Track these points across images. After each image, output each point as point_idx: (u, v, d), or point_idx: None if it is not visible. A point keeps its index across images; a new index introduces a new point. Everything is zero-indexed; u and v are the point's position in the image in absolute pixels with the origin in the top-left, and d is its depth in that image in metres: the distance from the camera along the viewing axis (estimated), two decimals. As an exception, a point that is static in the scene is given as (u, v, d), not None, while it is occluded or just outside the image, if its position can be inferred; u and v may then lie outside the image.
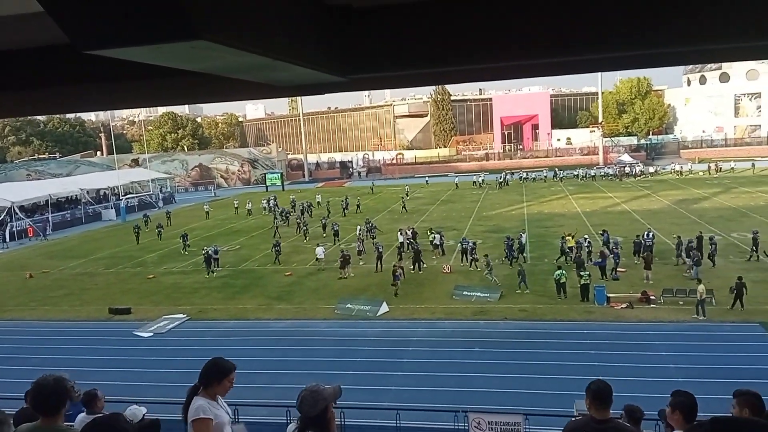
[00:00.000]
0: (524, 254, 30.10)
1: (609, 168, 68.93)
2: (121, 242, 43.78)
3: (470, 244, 30.08)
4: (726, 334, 19.15)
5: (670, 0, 2.71)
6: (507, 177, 65.73)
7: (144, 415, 6.40)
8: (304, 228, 40.15)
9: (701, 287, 20.83)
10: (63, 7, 1.91)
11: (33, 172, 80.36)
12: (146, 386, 17.28)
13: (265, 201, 55.94)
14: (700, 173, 63.42)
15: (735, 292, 21.16)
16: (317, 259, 30.85)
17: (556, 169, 69.99)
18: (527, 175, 68.49)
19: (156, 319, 24.35)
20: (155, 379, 18.31)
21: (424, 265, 29.07)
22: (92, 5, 1.88)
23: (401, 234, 33.50)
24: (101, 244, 44.09)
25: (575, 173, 67.62)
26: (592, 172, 66.68)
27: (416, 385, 16.80)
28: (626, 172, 66.01)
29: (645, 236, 28.82)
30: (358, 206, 51.25)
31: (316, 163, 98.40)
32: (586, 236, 30.31)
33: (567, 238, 29.58)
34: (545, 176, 67.70)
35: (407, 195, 55.29)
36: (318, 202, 54.86)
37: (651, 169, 66.96)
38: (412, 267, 28.73)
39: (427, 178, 73.49)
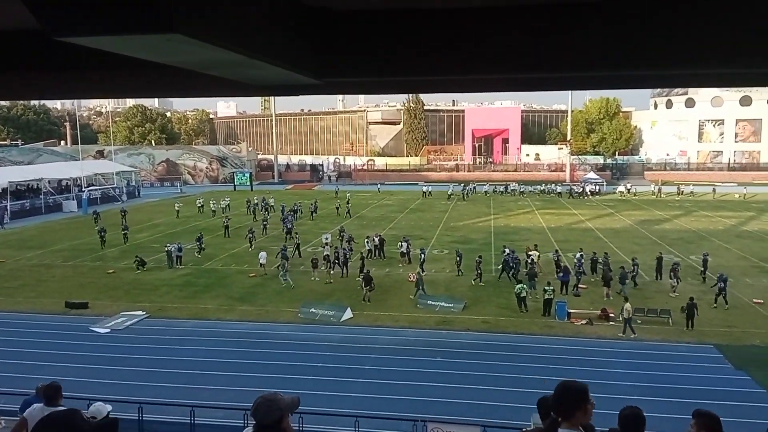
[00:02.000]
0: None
1: (575, 185, 70.06)
2: (81, 235, 42.77)
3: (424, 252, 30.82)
4: (681, 354, 19.59)
5: (640, 25, 2.78)
6: (469, 189, 66.17)
7: (108, 413, 6.23)
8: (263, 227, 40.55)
9: (628, 305, 21.41)
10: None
11: (-7, 158, 78.01)
12: (101, 383, 16.86)
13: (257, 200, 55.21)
14: (652, 195, 64.94)
15: (686, 312, 21.79)
16: (261, 264, 30.22)
17: (515, 183, 70.98)
18: (495, 188, 69.20)
19: (114, 315, 23.83)
20: (111, 376, 17.89)
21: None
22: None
23: (368, 241, 33.57)
24: (60, 236, 43.00)
25: (539, 189, 68.68)
26: (558, 189, 67.64)
27: (377, 392, 16.76)
28: (591, 190, 67.24)
29: (604, 257, 29.19)
30: (316, 209, 51.10)
31: (287, 164, 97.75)
32: (557, 249, 30.64)
33: (532, 252, 29.94)
34: (513, 189, 68.33)
35: (348, 201, 54.60)
36: (271, 205, 54.09)
37: (620, 188, 68.35)
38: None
39: (378, 186, 74.15)
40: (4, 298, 26.62)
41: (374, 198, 64.99)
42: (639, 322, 22.31)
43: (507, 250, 29.87)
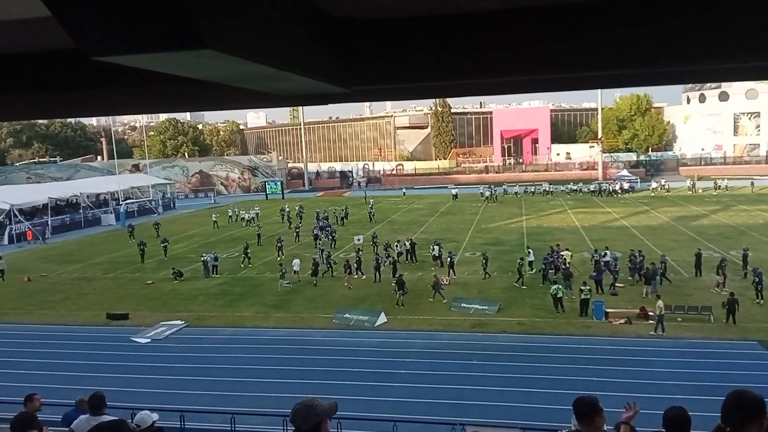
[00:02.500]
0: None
1: (607, 183, 68.98)
2: (120, 247, 43.75)
3: (453, 255, 30.69)
4: (724, 351, 19.11)
5: (669, 20, 2.74)
6: (496, 191, 65.33)
7: (154, 422, 6.34)
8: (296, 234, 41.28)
9: (660, 303, 21.06)
10: (71, 12, 1.93)
11: (33, 175, 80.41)
12: (143, 392, 17.20)
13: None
14: (688, 191, 63.45)
15: (727, 307, 21.37)
16: (294, 271, 30.30)
17: (546, 184, 70.01)
18: (526, 188, 68.35)
19: (153, 325, 24.29)
20: (152, 385, 18.25)
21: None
22: (100, 12, 1.90)
23: (398, 245, 33.55)
24: (100, 249, 44.04)
25: (567, 188, 67.80)
26: (592, 187, 66.61)
27: (413, 396, 16.73)
28: (620, 188, 66.10)
29: (638, 254, 28.58)
30: (346, 216, 51.20)
31: (316, 172, 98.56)
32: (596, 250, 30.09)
33: (564, 252, 29.63)
34: (544, 190, 67.46)
35: (371, 207, 54.38)
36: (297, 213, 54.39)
37: (653, 185, 67.10)
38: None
39: (404, 190, 74.07)
40: (48, 311, 27.37)
41: (404, 202, 65.03)
42: (679, 319, 21.86)
43: (530, 251, 29.54)
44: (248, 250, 35.52)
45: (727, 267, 26.54)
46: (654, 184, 67.49)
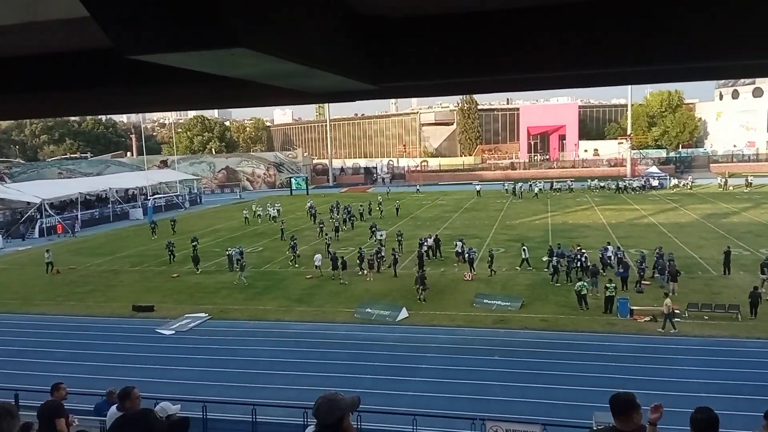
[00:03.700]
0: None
1: (630, 180, 67.98)
2: (147, 241, 44.44)
3: (473, 252, 30.43)
4: (751, 350, 18.80)
5: (700, 16, 2.74)
6: (522, 187, 64.73)
7: (176, 413, 6.46)
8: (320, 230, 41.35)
9: (668, 300, 21.01)
10: (108, 12, 2.01)
11: (64, 170, 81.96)
12: (167, 383, 17.51)
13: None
14: (719, 188, 62.28)
15: (750, 300, 21.38)
16: (316, 266, 30.50)
17: (569, 181, 69.26)
18: (552, 185, 67.44)
19: (178, 318, 24.68)
20: (176, 376, 18.56)
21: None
22: (136, 12, 1.98)
23: (422, 242, 33.41)
24: (128, 243, 44.80)
25: (591, 185, 67.10)
26: (622, 184, 65.56)
27: (434, 391, 16.78)
28: (653, 185, 65.14)
29: (657, 251, 28.23)
30: (370, 211, 51.22)
31: (341, 168, 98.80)
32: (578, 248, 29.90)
33: (575, 248, 29.58)
34: (568, 187, 66.55)
35: (380, 203, 54.70)
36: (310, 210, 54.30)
37: (673, 181, 66.06)
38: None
39: (418, 187, 74.00)
40: (76, 303, 27.96)
41: (428, 198, 64.90)
42: (706, 318, 21.56)
43: (555, 250, 29.25)
44: (296, 247, 34.77)
45: (752, 264, 25.97)
46: (674, 181, 66.31)
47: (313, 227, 44.94)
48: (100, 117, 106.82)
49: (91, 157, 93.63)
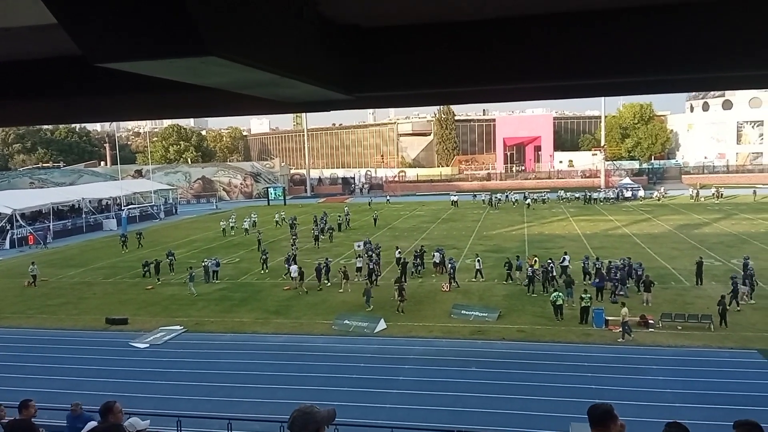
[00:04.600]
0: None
1: (610, 191, 69.04)
2: (120, 253, 43.76)
3: (453, 262, 30.60)
4: (724, 360, 19.07)
5: (674, 29, 2.77)
6: (496, 198, 65.50)
7: (146, 428, 6.33)
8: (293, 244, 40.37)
9: (625, 309, 21.41)
10: (77, 20, 1.96)
11: (36, 180, 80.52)
12: (140, 397, 17.17)
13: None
14: (690, 199, 63.59)
15: (719, 309, 21.81)
16: (292, 277, 30.31)
17: (545, 192, 69.86)
18: (525, 195, 67.88)
19: (152, 330, 24.28)
20: (150, 390, 18.22)
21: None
22: (105, 19, 1.93)
23: (399, 252, 33.50)
24: (101, 254, 44.07)
25: (559, 196, 67.91)
26: (596, 195, 66.49)
27: (411, 403, 16.71)
28: (626, 196, 66.18)
29: (628, 263, 28.58)
30: (348, 222, 51.09)
31: (319, 178, 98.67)
32: (550, 259, 30.25)
33: (530, 260, 30.09)
34: (541, 198, 66.89)
35: (347, 214, 54.38)
36: (283, 219, 55.12)
37: (654, 194, 67.26)
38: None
39: (387, 197, 74.63)
40: (48, 316, 27.38)
41: (406, 209, 65.06)
42: (679, 328, 21.84)
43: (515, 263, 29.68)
44: (266, 256, 35.10)
45: (723, 275, 26.40)
46: (656, 193, 67.49)
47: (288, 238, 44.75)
48: (73, 126, 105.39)
49: (64, 166, 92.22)
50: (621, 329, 21.19)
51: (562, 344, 21.03)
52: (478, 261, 31.07)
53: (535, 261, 29.83)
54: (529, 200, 63.94)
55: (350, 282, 29.27)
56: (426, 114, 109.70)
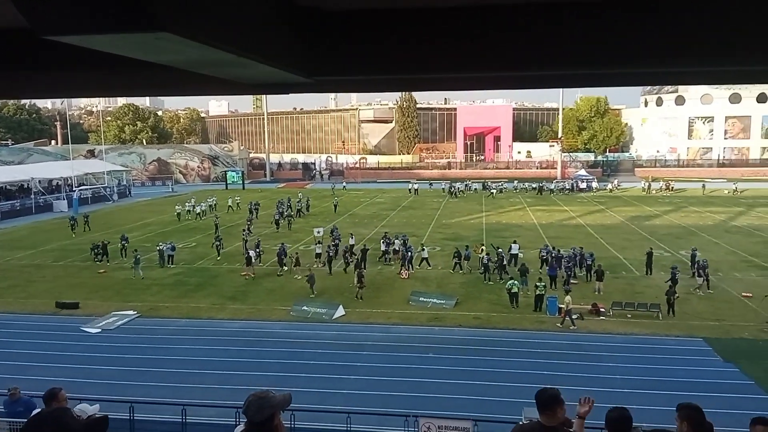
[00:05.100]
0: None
1: (566, 182, 70.42)
2: (71, 235, 42.52)
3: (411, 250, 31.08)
4: (671, 348, 19.76)
5: (632, 22, 2.81)
6: (457, 187, 65.90)
7: (96, 413, 6.18)
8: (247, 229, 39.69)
9: (568, 298, 22.14)
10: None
11: (-18, 158, 77.46)
12: (92, 383, 16.80)
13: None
14: (643, 191, 65.65)
15: (666, 299, 22.63)
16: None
17: (497, 182, 70.64)
18: (484, 184, 68.94)
19: (105, 315, 23.74)
20: (102, 376, 17.84)
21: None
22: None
23: (384, 241, 33.23)
24: (51, 236, 42.74)
25: (515, 186, 69.00)
26: (549, 186, 67.71)
27: (368, 389, 16.81)
28: (581, 187, 67.60)
29: (579, 252, 29.37)
30: (308, 207, 50.84)
31: (279, 163, 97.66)
32: (500, 248, 31.00)
33: (478, 248, 30.92)
34: (499, 188, 67.56)
35: (300, 201, 53.57)
36: (238, 204, 55.08)
37: (608, 186, 68.92)
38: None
39: (344, 184, 74.71)
40: (-5, 299, 26.46)
41: (366, 195, 65.06)
42: (629, 316, 22.50)
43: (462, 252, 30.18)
44: (221, 241, 34.79)
45: (668, 266, 27.22)
46: (609, 186, 69.13)
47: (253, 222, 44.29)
48: (22, 102, 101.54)
49: (12, 144, 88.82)
50: (565, 317, 21.74)
51: (517, 331, 21.44)
52: (424, 250, 31.55)
53: (482, 249, 30.39)
54: (494, 190, 64.66)
55: (301, 268, 29.06)
56: (388, 101, 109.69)
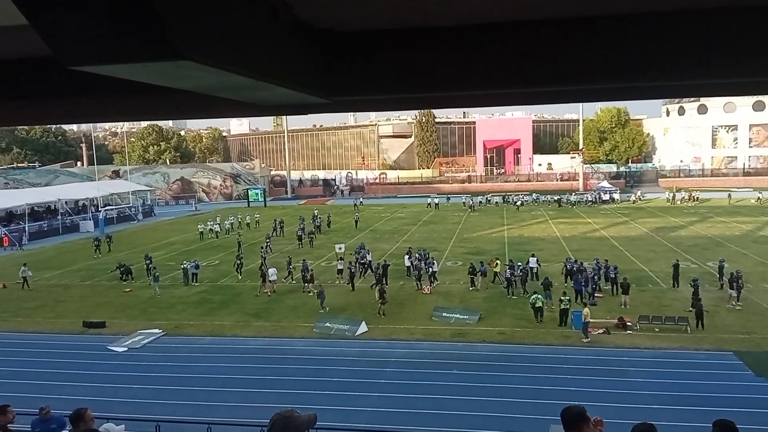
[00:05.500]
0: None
1: (588, 194, 69.83)
2: (102, 253, 43.14)
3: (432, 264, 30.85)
4: (700, 362, 19.34)
5: (650, 37, 2.80)
6: (474, 201, 65.72)
7: None
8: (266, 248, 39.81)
9: (586, 310, 21.89)
10: (49, 23, 1.93)
11: (11, 180, 79.18)
12: (118, 402, 16.95)
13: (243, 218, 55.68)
14: (667, 202, 64.71)
15: (695, 311, 22.17)
16: (270, 280, 29.74)
17: (518, 194, 70.19)
18: (504, 197, 68.90)
19: (131, 334, 23.99)
20: (128, 395, 17.98)
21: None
22: (78, 22, 1.90)
23: (408, 257, 32.79)
24: (78, 256, 43.44)
25: (534, 198, 68.62)
26: (572, 198, 67.18)
27: (392, 406, 16.70)
28: (604, 198, 66.97)
29: (604, 265, 28.93)
30: (329, 224, 51.02)
31: (299, 179, 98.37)
32: (519, 262, 30.48)
33: (493, 262, 30.54)
34: (521, 201, 67.23)
35: (314, 216, 52.52)
36: (257, 222, 55.77)
37: (631, 197, 68.13)
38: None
39: (361, 199, 74.75)
40: (24, 319, 26.91)
41: (387, 211, 65.15)
42: (657, 330, 22.10)
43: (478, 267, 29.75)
44: (241, 260, 34.65)
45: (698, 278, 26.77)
46: (632, 197, 68.33)
47: (277, 239, 44.63)
48: (48, 125, 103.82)
49: (40, 166, 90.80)
50: (587, 331, 21.45)
51: (542, 346, 21.17)
52: (434, 264, 31.06)
53: (497, 264, 30.14)
54: (518, 203, 64.56)
55: (313, 285, 28.97)
56: (407, 116, 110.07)
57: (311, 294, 28.36)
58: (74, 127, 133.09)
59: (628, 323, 22.49)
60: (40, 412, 9.41)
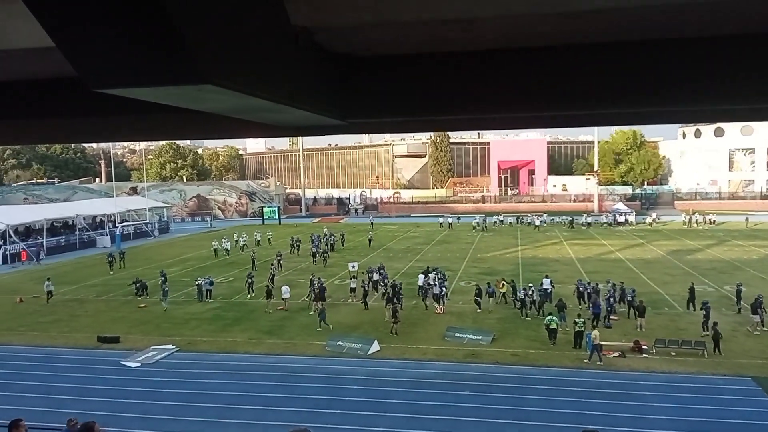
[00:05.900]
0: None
1: (603, 216, 69.36)
2: (114, 269, 43.52)
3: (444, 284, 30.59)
4: (718, 387, 19.02)
5: (666, 64, 2.85)
6: (485, 221, 65.34)
7: None
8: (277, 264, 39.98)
9: (596, 332, 21.68)
10: (74, 45, 2.01)
11: (30, 196, 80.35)
12: (131, 417, 17.01)
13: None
14: (684, 224, 64.11)
15: (711, 335, 21.90)
16: (283, 298, 29.85)
17: (532, 215, 69.80)
18: (518, 218, 68.89)
19: (144, 350, 24.08)
20: (141, 410, 18.02)
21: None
22: (103, 46, 1.98)
23: (424, 276, 32.35)
24: (94, 271, 43.82)
25: (544, 220, 68.02)
26: (589, 220, 66.73)
27: (404, 426, 16.56)
28: (619, 221, 66.46)
29: (619, 287, 28.66)
30: (343, 242, 51.06)
31: (314, 198, 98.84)
32: (531, 284, 30.20)
33: (500, 283, 30.35)
34: (532, 222, 66.81)
35: (326, 234, 52.50)
36: (269, 239, 56.15)
37: (647, 219, 67.55)
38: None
39: (372, 219, 74.52)
40: (39, 333, 27.13)
41: (400, 230, 65.14)
42: (673, 354, 21.79)
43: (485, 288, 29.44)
44: (252, 278, 34.58)
45: (714, 302, 26.38)
46: (649, 219, 67.77)
47: (290, 257, 44.75)
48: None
49: (59, 182, 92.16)
50: (600, 353, 21.24)
51: (556, 369, 20.94)
52: (436, 285, 30.42)
53: (504, 285, 29.97)
54: (538, 224, 64.52)
55: (324, 304, 28.81)
56: (421, 136, 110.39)
57: (311, 312, 28.40)
58: (93, 144, 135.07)
59: (644, 347, 22.20)
60: (68, 424, 9.49)
